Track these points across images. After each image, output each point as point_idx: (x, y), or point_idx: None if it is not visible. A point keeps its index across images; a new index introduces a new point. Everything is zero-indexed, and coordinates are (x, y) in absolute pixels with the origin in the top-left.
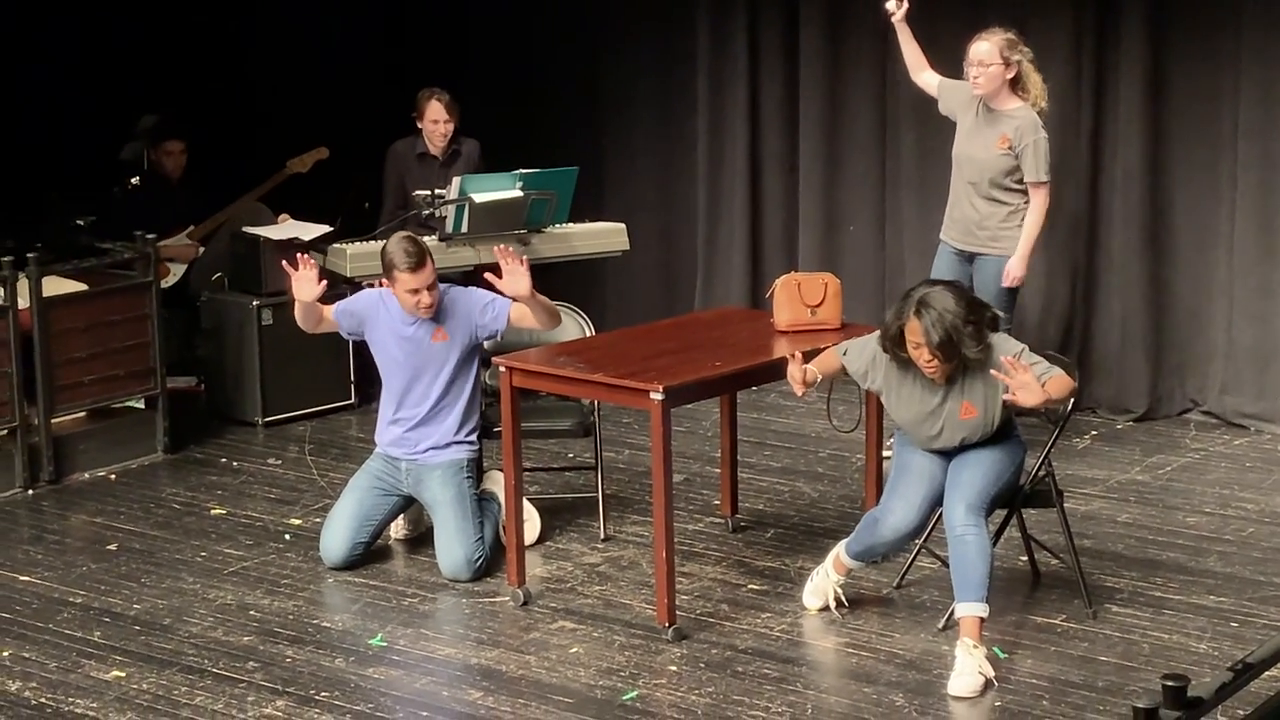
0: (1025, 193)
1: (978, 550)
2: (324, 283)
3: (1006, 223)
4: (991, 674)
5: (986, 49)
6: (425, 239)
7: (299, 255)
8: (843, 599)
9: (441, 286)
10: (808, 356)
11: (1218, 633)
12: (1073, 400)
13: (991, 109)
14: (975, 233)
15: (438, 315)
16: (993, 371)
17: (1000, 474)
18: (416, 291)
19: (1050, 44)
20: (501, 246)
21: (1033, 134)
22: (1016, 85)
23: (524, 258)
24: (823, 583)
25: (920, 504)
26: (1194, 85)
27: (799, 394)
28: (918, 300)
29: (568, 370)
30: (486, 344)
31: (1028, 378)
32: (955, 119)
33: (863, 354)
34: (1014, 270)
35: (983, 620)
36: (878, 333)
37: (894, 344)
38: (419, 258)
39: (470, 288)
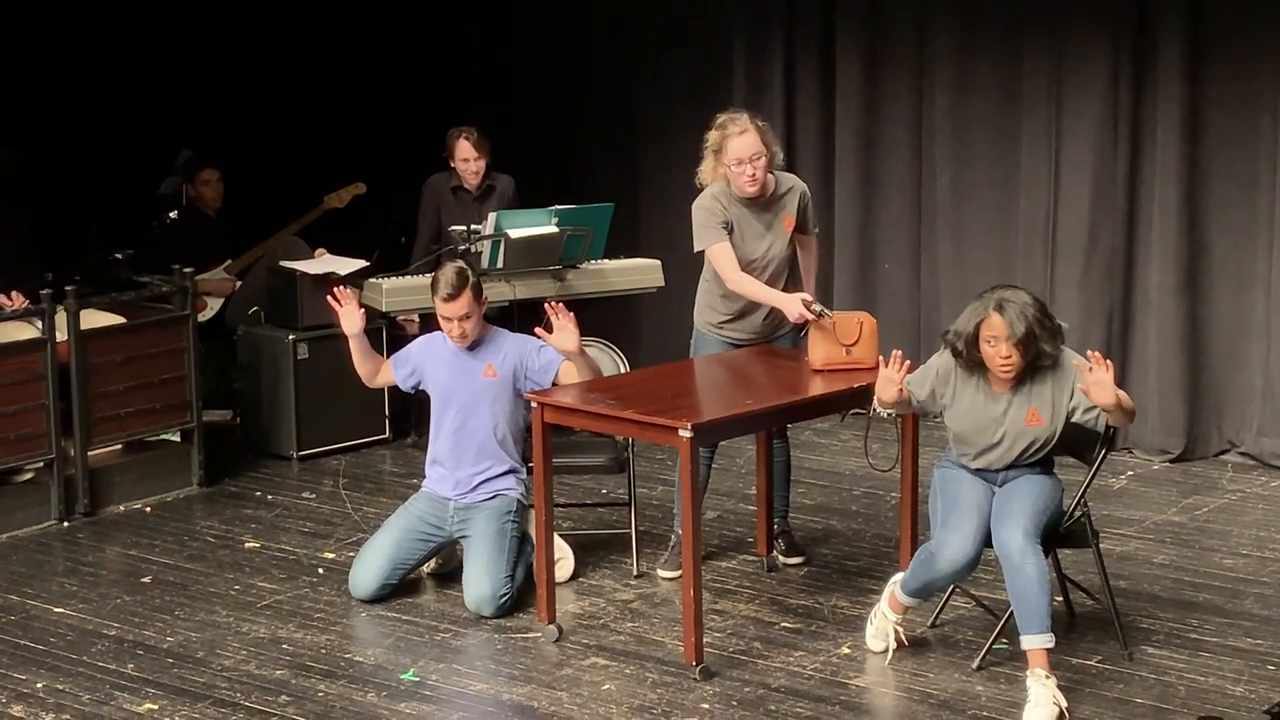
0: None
1: (1038, 580)
2: (364, 310)
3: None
4: (1065, 704)
5: (754, 139)
6: None
7: (338, 289)
8: (903, 637)
9: (494, 330)
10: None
11: (1254, 675)
12: (1108, 442)
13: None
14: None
15: (489, 352)
16: (1077, 360)
17: (1048, 504)
18: (448, 320)
19: (1087, 83)
20: (552, 302)
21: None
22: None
23: (571, 314)
24: (882, 623)
25: (974, 535)
26: (1231, 124)
27: (886, 399)
28: (996, 299)
29: (598, 406)
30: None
31: (1108, 376)
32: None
33: (924, 379)
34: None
35: (1049, 650)
36: (933, 357)
37: (968, 345)
38: (456, 290)
39: (524, 335)
